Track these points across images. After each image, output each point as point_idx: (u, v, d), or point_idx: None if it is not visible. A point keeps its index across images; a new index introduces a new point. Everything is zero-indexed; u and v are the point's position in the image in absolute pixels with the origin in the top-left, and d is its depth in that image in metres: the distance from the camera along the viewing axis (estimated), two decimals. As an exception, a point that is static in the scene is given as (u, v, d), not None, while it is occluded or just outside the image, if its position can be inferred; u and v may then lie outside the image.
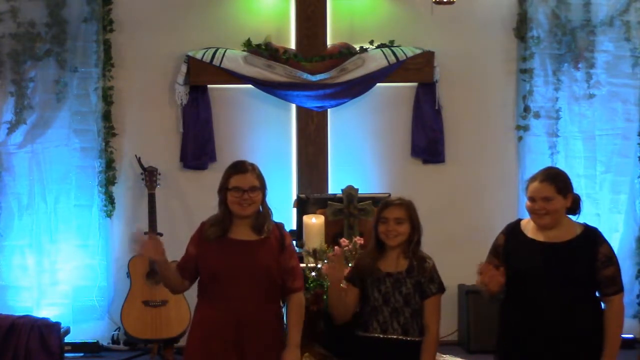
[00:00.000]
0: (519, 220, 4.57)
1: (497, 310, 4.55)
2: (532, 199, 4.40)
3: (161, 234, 7.03)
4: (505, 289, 4.41)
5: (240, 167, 4.48)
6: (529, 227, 4.47)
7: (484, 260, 4.48)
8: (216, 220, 4.48)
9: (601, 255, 4.36)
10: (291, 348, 4.42)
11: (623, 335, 6.67)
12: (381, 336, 4.48)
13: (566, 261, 4.33)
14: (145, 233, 7.03)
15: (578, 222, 4.47)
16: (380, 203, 4.67)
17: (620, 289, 4.39)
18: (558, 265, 4.33)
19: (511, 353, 4.45)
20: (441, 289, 4.54)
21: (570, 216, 4.48)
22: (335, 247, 4.80)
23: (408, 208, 4.57)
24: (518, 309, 4.40)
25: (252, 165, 4.52)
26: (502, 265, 4.40)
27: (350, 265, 4.86)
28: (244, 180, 4.43)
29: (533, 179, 4.44)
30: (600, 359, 4.34)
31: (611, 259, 4.38)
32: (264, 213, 4.49)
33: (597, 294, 4.41)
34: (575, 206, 4.46)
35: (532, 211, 4.41)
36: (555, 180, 4.40)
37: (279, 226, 4.55)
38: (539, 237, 4.41)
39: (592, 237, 4.41)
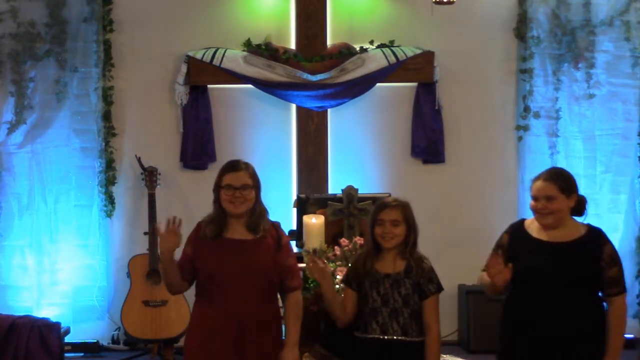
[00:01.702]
0: (523, 219, 4.56)
1: (500, 310, 4.55)
2: (535, 198, 4.40)
3: (161, 234, 7.04)
4: (509, 287, 4.41)
5: (233, 166, 4.50)
6: (533, 226, 4.46)
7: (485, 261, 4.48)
8: (211, 219, 4.49)
9: (605, 256, 4.35)
10: (289, 347, 4.43)
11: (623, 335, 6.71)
12: (381, 337, 4.47)
13: (570, 261, 4.33)
14: (145, 233, 7.07)
15: (582, 223, 4.46)
16: (376, 205, 4.65)
17: (623, 289, 4.39)
18: (562, 265, 4.32)
19: (513, 353, 4.45)
20: (439, 288, 4.55)
21: (575, 217, 4.48)
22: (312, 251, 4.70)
23: (404, 209, 4.55)
24: (521, 309, 4.39)
25: (246, 163, 4.52)
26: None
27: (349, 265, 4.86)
28: (236, 178, 4.44)
29: (537, 178, 4.44)
30: (604, 359, 4.34)
31: (615, 259, 4.38)
32: (259, 212, 4.48)
33: (599, 294, 4.40)
34: (580, 207, 4.46)
35: (535, 210, 4.41)
36: (558, 180, 4.39)
37: (275, 225, 4.55)
38: (543, 236, 4.40)
39: (596, 237, 4.40)
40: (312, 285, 5.20)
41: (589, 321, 4.34)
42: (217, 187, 4.48)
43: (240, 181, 4.43)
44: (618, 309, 4.37)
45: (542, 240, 4.40)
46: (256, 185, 4.48)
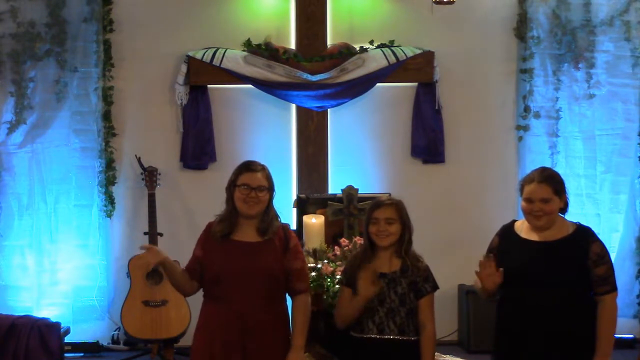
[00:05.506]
0: (514, 221, 4.58)
1: (494, 310, 4.56)
2: (529, 200, 4.41)
3: (161, 234, 7.04)
4: (501, 288, 4.43)
5: (251, 166, 4.52)
6: (522, 227, 4.49)
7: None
8: (222, 218, 4.50)
9: (593, 254, 4.36)
10: (295, 349, 4.44)
11: (623, 335, 6.72)
12: (377, 337, 4.48)
13: (558, 259, 4.35)
14: (145, 233, 7.06)
15: (571, 222, 4.48)
16: (370, 204, 4.66)
17: (613, 288, 4.39)
18: (549, 264, 4.34)
19: (507, 352, 4.46)
20: (435, 287, 4.57)
21: (564, 217, 4.50)
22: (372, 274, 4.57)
23: (398, 207, 4.57)
24: (513, 309, 4.41)
25: (263, 165, 4.56)
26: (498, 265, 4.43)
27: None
28: (253, 179, 4.46)
29: (529, 180, 4.44)
30: (594, 359, 4.34)
31: (603, 257, 4.38)
32: (270, 215, 4.50)
33: (591, 294, 4.40)
34: (565, 206, 4.48)
35: (529, 212, 4.41)
36: (553, 182, 4.42)
37: (284, 227, 4.56)
38: (532, 237, 4.43)
39: (584, 235, 4.42)
40: (312, 285, 5.20)
41: (579, 320, 4.35)
42: (232, 186, 4.48)
43: (257, 182, 4.45)
44: (608, 308, 4.37)
45: (530, 240, 4.42)
46: (270, 188, 4.51)
